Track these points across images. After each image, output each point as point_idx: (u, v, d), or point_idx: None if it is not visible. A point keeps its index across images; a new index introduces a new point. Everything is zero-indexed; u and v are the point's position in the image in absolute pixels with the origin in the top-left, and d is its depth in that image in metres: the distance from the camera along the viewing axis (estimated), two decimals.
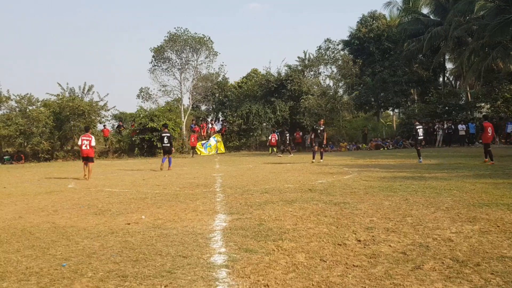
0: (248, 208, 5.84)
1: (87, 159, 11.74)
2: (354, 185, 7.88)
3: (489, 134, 12.89)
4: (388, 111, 37.89)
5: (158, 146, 24.80)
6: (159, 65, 28.71)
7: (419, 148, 13.77)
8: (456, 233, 4.10)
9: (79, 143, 12.19)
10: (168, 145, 14.21)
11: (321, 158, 15.17)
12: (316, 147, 15.19)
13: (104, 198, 7.43)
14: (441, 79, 33.06)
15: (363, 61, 31.91)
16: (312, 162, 14.55)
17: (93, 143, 12.01)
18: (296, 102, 28.51)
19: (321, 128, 15.22)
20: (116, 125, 30.58)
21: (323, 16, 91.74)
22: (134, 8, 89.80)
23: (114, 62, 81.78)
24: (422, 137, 14.11)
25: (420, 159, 13.42)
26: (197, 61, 28.79)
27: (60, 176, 12.91)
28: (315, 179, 9.26)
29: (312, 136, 15.72)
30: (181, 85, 29.01)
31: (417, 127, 13.85)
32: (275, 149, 23.40)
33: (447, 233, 4.12)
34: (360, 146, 26.17)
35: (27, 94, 25.11)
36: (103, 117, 26.91)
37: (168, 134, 14.50)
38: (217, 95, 32.35)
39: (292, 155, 21.19)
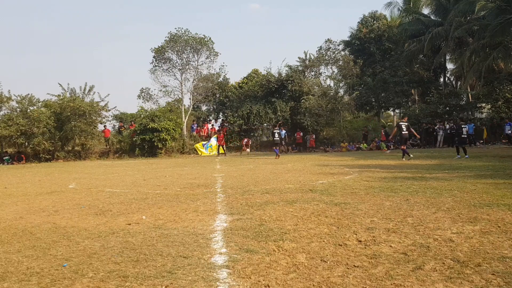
0: (249, 208, 5.84)
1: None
2: (355, 186, 7.87)
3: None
4: (389, 112, 37.88)
5: (159, 146, 24.90)
6: (160, 65, 28.72)
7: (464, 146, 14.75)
8: (457, 234, 4.09)
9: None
10: (278, 139, 18.73)
11: (403, 157, 14.78)
12: (403, 145, 15.15)
13: (105, 199, 7.43)
14: (441, 79, 33.03)
15: (364, 62, 31.89)
16: (403, 160, 14.45)
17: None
18: (296, 103, 28.52)
19: (406, 124, 15.07)
20: (117, 126, 30.62)
21: (324, 17, 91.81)
22: (135, 7, 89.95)
23: (114, 62, 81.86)
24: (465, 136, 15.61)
25: (465, 155, 14.17)
26: (197, 62, 28.80)
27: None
28: (315, 180, 9.25)
29: (397, 134, 15.80)
30: (181, 86, 29.02)
31: (463, 127, 15.41)
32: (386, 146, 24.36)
33: (448, 233, 4.12)
34: (361, 146, 26.15)
35: (28, 94, 25.21)
36: (104, 118, 26.97)
37: (278, 131, 19.12)
38: (217, 95, 32.35)
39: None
